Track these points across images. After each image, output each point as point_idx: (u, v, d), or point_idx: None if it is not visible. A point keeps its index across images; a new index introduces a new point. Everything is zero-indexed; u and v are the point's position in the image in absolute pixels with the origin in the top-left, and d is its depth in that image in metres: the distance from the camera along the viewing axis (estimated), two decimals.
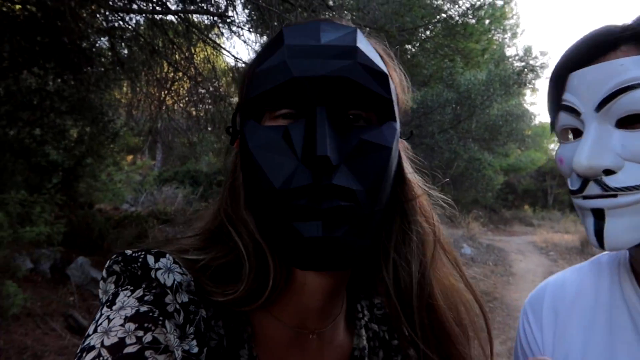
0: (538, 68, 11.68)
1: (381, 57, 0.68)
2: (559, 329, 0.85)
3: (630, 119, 0.67)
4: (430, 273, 0.71)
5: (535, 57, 12.53)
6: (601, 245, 0.69)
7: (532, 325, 0.91)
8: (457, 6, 7.52)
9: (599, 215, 0.69)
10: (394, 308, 0.71)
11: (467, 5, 7.35)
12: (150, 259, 0.58)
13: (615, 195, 0.67)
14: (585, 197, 0.71)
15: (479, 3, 7.41)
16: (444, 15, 7.40)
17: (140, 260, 0.58)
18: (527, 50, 13.12)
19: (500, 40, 10.63)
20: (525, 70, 11.44)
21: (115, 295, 0.56)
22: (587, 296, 0.85)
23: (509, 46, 12.48)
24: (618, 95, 0.66)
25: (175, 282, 0.57)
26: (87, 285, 5.36)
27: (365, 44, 0.64)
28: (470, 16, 7.44)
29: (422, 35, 7.39)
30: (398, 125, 0.67)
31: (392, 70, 0.71)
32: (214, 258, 0.65)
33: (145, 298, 0.54)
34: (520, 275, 9.15)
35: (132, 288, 0.56)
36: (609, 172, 0.67)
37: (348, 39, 0.62)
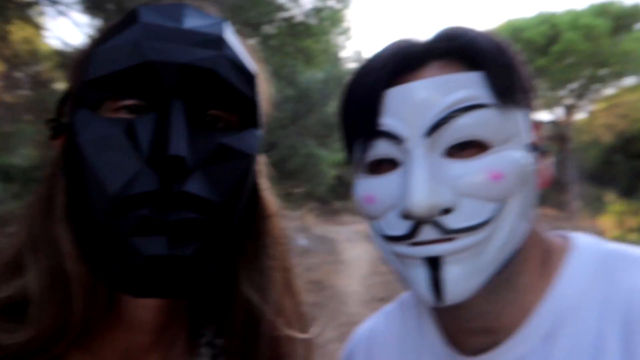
0: None
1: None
2: None
3: (459, 146, 0.58)
4: (281, 304, 0.64)
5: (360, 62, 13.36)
6: (439, 299, 0.57)
7: None
8: (299, 6, 7.74)
9: (434, 265, 0.57)
10: (239, 342, 0.63)
11: (310, 6, 7.63)
12: None
13: (452, 239, 0.56)
14: (415, 244, 0.58)
15: (321, 5, 7.71)
16: (287, 14, 7.58)
17: None
18: (358, 53, 13.98)
19: (337, 42, 11.19)
20: None
21: None
22: (394, 343, 0.77)
23: (343, 48, 13.20)
24: (451, 118, 0.56)
25: None
26: None
27: (234, 38, 0.56)
28: (313, 17, 7.72)
29: (266, 32, 7.50)
30: (260, 134, 0.60)
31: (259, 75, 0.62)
32: (23, 287, 0.52)
33: None
34: (349, 262, 9.63)
35: None
36: (446, 210, 0.56)
37: (215, 28, 0.54)
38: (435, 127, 0.57)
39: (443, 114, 0.56)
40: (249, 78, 0.54)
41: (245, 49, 0.59)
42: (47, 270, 0.51)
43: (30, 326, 0.50)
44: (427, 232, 0.57)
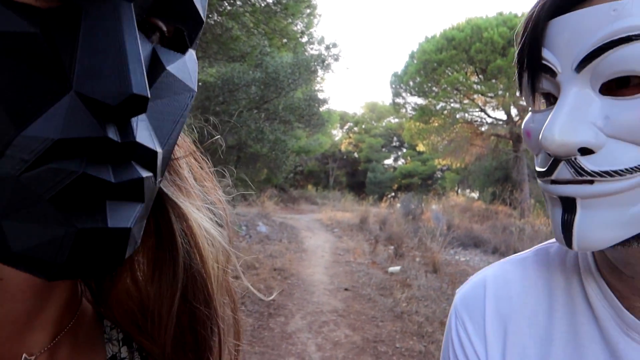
0: (337, 57, 12.39)
1: None
2: (509, 340, 0.67)
3: (618, 83, 0.51)
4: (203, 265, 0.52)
5: (329, 47, 13.23)
6: (569, 244, 0.54)
7: (471, 336, 0.69)
8: None
9: (569, 206, 0.54)
10: (147, 313, 0.51)
11: None
12: None
13: (591, 182, 0.52)
14: (554, 182, 0.55)
15: None
16: None
17: None
18: (322, 40, 13.82)
19: (309, 25, 10.94)
20: (326, 56, 12.02)
21: None
22: (539, 297, 0.68)
23: (312, 33, 12.91)
24: (608, 49, 0.49)
25: None
26: None
27: None
28: None
29: (241, 9, 7.12)
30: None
31: None
32: None
33: None
34: (312, 251, 9.63)
35: None
36: (586, 151, 0.51)
37: None
38: (587, 60, 0.50)
39: (598, 45, 0.49)
40: None
41: None
42: None
43: None
44: (562, 171, 0.54)
